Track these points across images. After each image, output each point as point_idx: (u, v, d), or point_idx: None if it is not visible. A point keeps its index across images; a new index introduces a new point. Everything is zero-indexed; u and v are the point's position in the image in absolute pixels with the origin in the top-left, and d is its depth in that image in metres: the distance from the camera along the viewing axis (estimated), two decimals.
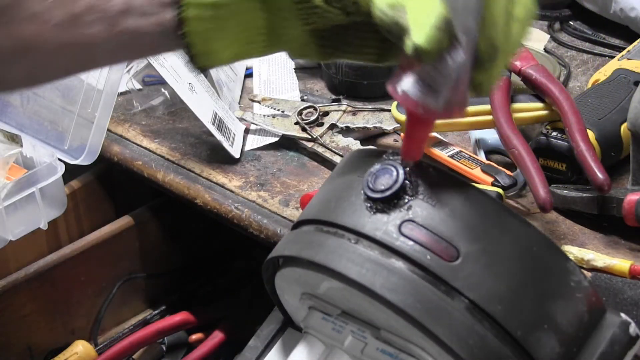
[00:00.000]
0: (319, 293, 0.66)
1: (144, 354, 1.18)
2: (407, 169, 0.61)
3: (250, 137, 1.09)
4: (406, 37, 0.59)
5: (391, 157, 0.63)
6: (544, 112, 0.99)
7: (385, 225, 0.60)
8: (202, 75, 1.09)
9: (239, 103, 1.17)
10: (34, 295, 1.10)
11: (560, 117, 0.96)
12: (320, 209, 0.65)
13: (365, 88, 1.14)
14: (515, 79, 1.01)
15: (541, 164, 0.93)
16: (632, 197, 0.88)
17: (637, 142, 0.93)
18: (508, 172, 0.96)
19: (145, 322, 1.19)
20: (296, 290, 0.68)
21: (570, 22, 1.29)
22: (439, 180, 0.61)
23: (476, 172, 0.97)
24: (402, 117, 0.99)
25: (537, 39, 1.25)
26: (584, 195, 0.92)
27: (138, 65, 1.17)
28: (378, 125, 1.06)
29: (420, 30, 0.58)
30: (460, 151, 1.01)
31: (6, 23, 0.65)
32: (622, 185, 0.97)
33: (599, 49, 1.24)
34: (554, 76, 1.00)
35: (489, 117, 0.97)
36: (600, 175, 0.88)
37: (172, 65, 1.07)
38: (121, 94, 1.17)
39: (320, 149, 1.05)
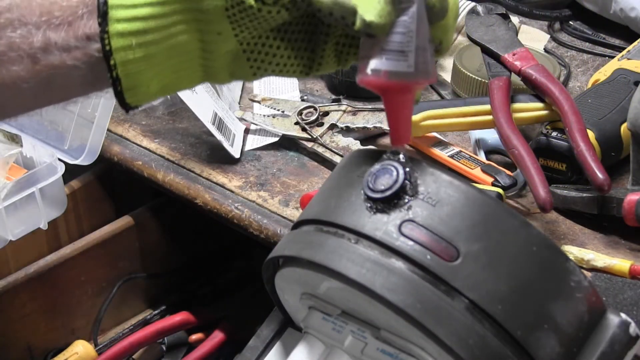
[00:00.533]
0: (319, 293, 0.66)
1: (144, 354, 1.18)
2: (407, 169, 0.61)
3: (250, 137, 1.09)
4: (352, 16, 0.60)
5: (391, 157, 0.63)
6: (544, 112, 0.99)
7: (385, 225, 0.60)
8: None
9: (239, 103, 1.17)
10: (34, 295, 1.10)
11: (560, 117, 0.96)
12: (321, 209, 0.65)
13: (365, 88, 1.13)
14: (515, 79, 1.01)
15: (541, 164, 0.93)
16: (632, 197, 0.88)
17: (637, 142, 0.93)
18: (508, 172, 0.97)
19: (145, 322, 1.19)
20: (296, 290, 0.68)
21: (570, 22, 1.29)
22: (439, 180, 0.61)
23: (476, 172, 0.97)
24: None
25: (537, 39, 1.25)
26: (584, 195, 0.92)
27: None
28: (378, 125, 1.06)
29: (368, 6, 0.59)
30: (460, 151, 1.01)
31: None
32: (622, 185, 0.97)
33: (599, 49, 1.24)
34: (554, 76, 1.00)
35: (489, 117, 0.97)
36: (600, 175, 0.88)
37: None
38: None
39: (320, 149, 1.05)
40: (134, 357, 1.16)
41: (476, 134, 1.04)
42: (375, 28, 0.60)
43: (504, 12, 1.10)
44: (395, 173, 0.61)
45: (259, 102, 1.12)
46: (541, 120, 1.00)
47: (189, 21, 0.62)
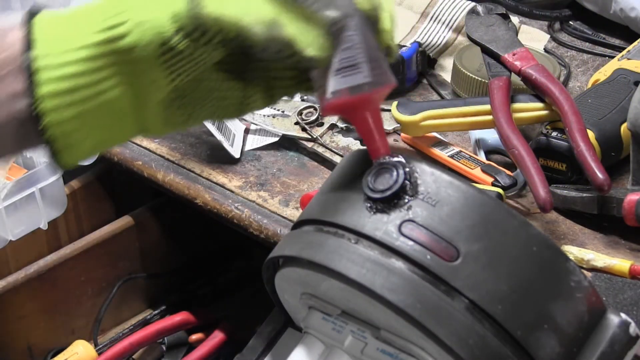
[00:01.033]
0: (319, 293, 0.66)
1: (144, 354, 1.18)
2: (407, 169, 0.61)
3: (250, 137, 1.09)
4: (289, 48, 0.59)
5: (391, 157, 0.63)
6: (544, 112, 0.99)
7: (385, 225, 0.60)
8: None
9: None
10: (34, 295, 1.10)
11: (560, 117, 0.96)
12: (320, 209, 0.65)
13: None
14: (515, 79, 1.01)
15: (541, 164, 0.93)
16: (632, 197, 0.88)
17: (637, 142, 0.93)
18: (508, 172, 0.97)
19: (145, 322, 1.19)
20: (296, 290, 0.68)
21: (570, 22, 1.29)
22: (439, 180, 0.61)
23: (476, 172, 0.97)
24: (402, 117, 0.99)
25: (537, 39, 1.25)
26: (584, 195, 0.92)
27: None
28: None
29: (306, 41, 0.59)
30: (460, 151, 1.01)
31: None
32: (622, 185, 0.97)
33: (599, 49, 1.24)
34: (554, 76, 1.00)
35: (489, 117, 0.97)
36: (600, 175, 0.88)
37: None
38: None
39: (320, 149, 1.05)
40: (134, 357, 1.16)
41: (476, 134, 1.04)
42: (319, 61, 0.60)
43: (504, 12, 1.10)
44: (395, 173, 0.61)
45: None
46: (541, 120, 1.00)
47: (121, 73, 0.60)
